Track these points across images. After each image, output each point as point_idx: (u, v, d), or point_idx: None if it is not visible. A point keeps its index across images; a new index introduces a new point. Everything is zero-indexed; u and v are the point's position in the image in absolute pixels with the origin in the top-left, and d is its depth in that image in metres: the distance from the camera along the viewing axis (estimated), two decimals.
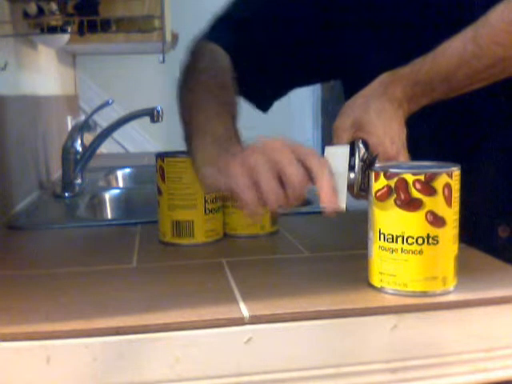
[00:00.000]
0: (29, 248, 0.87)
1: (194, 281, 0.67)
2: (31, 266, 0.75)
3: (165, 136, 2.45)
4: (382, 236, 0.59)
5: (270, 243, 0.83)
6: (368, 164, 0.63)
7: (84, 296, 0.62)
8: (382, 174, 0.58)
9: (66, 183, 1.29)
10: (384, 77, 0.71)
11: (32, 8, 1.22)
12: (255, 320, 0.55)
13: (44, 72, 1.58)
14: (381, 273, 0.60)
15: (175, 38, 1.81)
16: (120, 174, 1.71)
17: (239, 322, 0.54)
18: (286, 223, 0.90)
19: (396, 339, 0.57)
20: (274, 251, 0.79)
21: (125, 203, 1.35)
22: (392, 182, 0.57)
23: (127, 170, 1.73)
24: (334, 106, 2.68)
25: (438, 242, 0.57)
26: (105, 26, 1.27)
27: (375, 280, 0.61)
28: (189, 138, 0.74)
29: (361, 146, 0.66)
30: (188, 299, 0.60)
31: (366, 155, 0.65)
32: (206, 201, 0.81)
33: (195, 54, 0.89)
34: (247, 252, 0.78)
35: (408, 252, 0.58)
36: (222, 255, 0.76)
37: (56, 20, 1.24)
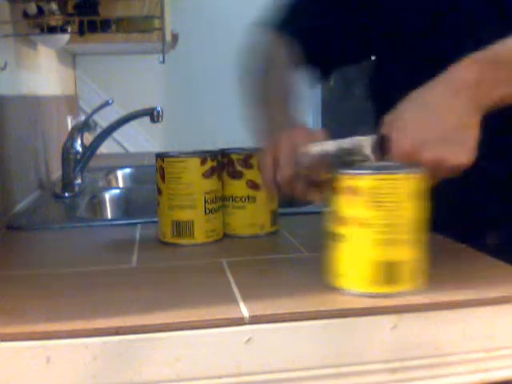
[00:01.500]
0: (29, 248, 0.87)
1: (194, 281, 0.67)
2: (31, 266, 0.75)
3: (165, 136, 2.45)
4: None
5: (270, 243, 0.83)
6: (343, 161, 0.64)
7: (84, 296, 0.62)
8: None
9: (66, 183, 1.29)
10: (453, 65, 0.65)
11: (32, 8, 1.22)
12: (255, 320, 0.55)
13: (44, 72, 1.58)
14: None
15: (175, 38, 1.81)
16: (120, 174, 1.71)
17: (239, 322, 0.54)
18: (286, 223, 0.90)
19: (396, 339, 0.57)
20: (274, 251, 0.79)
21: (125, 203, 1.35)
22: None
23: (127, 170, 1.73)
24: (334, 106, 2.68)
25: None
26: (105, 26, 1.27)
27: None
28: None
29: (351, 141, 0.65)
30: (188, 299, 0.60)
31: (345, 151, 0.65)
32: (206, 201, 0.81)
33: (259, 46, 0.97)
34: (247, 252, 0.78)
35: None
36: (222, 255, 0.76)
37: (56, 20, 1.24)
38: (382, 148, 0.64)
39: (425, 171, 0.60)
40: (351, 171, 0.60)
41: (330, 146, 0.66)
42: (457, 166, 0.63)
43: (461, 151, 0.62)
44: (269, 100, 0.85)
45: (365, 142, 0.65)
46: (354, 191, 0.58)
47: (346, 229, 0.59)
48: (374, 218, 0.58)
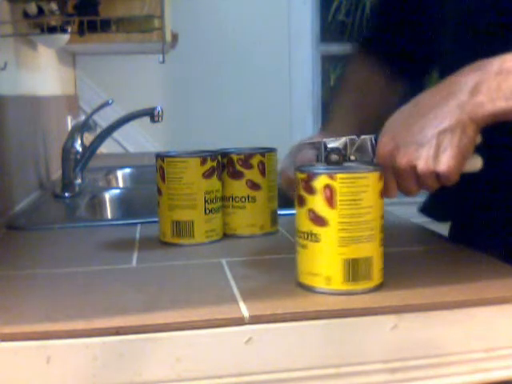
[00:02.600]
0: (29, 248, 0.87)
1: (194, 281, 0.67)
2: (31, 266, 0.74)
3: (165, 136, 2.45)
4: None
5: (270, 243, 0.83)
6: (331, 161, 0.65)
7: (84, 296, 0.62)
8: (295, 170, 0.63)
9: (66, 183, 1.29)
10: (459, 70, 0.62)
11: (32, 8, 1.22)
12: (255, 320, 0.55)
13: (44, 72, 1.58)
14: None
15: (175, 38, 1.81)
16: (120, 173, 1.71)
17: (239, 322, 0.54)
18: (286, 223, 0.90)
19: (396, 339, 0.57)
20: (274, 251, 0.79)
21: (125, 203, 1.35)
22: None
23: (127, 170, 1.73)
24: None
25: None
26: (105, 26, 1.27)
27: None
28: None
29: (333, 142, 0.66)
30: (188, 299, 0.60)
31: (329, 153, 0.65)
32: (206, 201, 0.81)
33: (347, 70, 1.03)
34: (247, 252, 0.78)
35: (298, 245, 0.62)
36: (222, 255, 0.76)
37: (56, 20, 1.24)
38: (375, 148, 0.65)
39: (380, 171, 0.60)
40: (306, 170, 0.60)
41: (333, 143, 0.66)
42: (435, 174, 0.60)
43: (437, 158, 0.60)
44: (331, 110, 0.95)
45: (365, 141, 0.65)
46: (309, 190, 0.59)
47: (314, 228, 0.60)
48: (340, 217, 0.58)
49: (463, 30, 0.81)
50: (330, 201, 0.58)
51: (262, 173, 0.84)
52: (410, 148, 0.61)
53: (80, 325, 0.53)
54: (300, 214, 0.61)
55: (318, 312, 0.56)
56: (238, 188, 0.84)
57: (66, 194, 1.27)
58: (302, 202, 0.60)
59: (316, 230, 0.60)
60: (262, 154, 0.85)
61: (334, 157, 0.64)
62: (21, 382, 0.52)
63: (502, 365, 0.59)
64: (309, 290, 0.61)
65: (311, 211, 0.59)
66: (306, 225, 0.60)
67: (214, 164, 0.82)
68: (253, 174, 0.84)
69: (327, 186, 0.58)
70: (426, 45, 0.91)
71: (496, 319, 0.59)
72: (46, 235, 0.92)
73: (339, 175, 0.58)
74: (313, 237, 0.60)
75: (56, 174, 1.51)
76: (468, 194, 0.82)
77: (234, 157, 0.84)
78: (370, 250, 0.60)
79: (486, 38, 0.76)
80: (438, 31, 0.86)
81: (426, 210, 0.90)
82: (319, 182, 0.59)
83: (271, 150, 0.86)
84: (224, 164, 0.84)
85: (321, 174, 0.59)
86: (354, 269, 0.60)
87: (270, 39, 2.54)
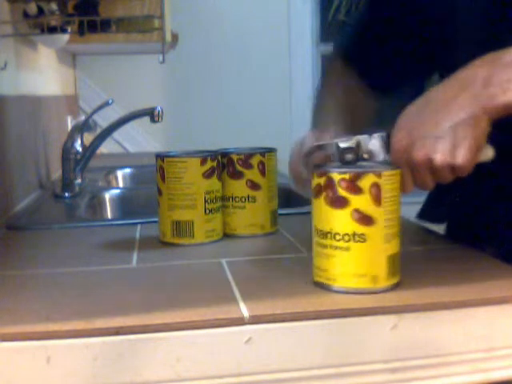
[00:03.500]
0: (29, 248, 0.87)
1: (194, 281, 0.67)
2: (31, 266, 0.75)
3: (165, 136, 2.45)
4: (316, 232, 0.61)
5: (269, 243, 0.83)
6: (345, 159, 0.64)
7: (84, 296, 0.62)
8: (315, 173, 0.61)
9: (66, 183, 1.29)
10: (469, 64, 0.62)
11: (32, 8, 1.22)
12: (255, 320, 0.55)
13: (44, 72, 1.58)
14: (316, 267, 0.62)
15: (175, 38, 1.81)
16: (120, 174, 1.71)
17: (239, 322, 0.54)
18: (286, 223, 0.90)
19: (396, 339, 0.57)
20: (274, 251, 0.79)
21: (125, 203, 1.35)
22: (322, 181, 0.59)
23: (127, 170, 1.73)
24: None
25: (365, 240, 0.58)
26: (105, 26, 1.27)
27: (314, 274, 0.63)
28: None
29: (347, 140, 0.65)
30: (188, 299, 0.60)
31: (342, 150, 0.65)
32: (206, 201, 0.81)
33: (329, 72, 1.03)
34: (247, 252, 0.78)
35: (336, 248, 0.59)
36: (222, 255, 0.76)
37: (56, 20, 1.24)
38: (387, 145, 0.64)
39: (396, 170, 0.60)
40: (347, 170, 0.59)
41: (345, 142, 0.65)
42: (451, 167, 0.61)
43: (454, 151, 0.60)
44: (316, 109, 0.93)
45: (372, 139, 0.65)
46: (354, 189, 0.58)
47: (367, 229, 0.59)
48: (386, 214, 0.59)
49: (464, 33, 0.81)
50: (377, 199, 0.58)
51: (262, 173, 0.84)
52: (426, 142, 0.61)
53: (80, 325, 0.53)
54: (339, 216, 0.59)
55: (318, 312, 0.56)
56: (238, 188, 0.84)
57: (66, 194, 1.27)
58: (342, 203, 0.58)
59: (362, 229, 0.58)
60: (262, 154, 0.85)
61: (349, 156, 0.64)
62: (21, 382, 0.52)
63: (501, 365, 0.59)
64: (352, 292, 0.59)
65: (356, 211, 0.58)
66: (349, 226, 0.58)
67: (214, 164, 0.82)
68: (253, 174, 0.84)
69: (374, 184, 0.58)
70: (413, 58, 0.90)
71: (496, 319, 0.59)
72: (46, 235, 0.92)
73: (385, 172, 0.58)
74: (358, 237, 0.58)
75: (56, 173, 1.52)
76: (467, 195, 0.82)
77: (234, 157, 0.84)
78: (399, 245, 0.61)
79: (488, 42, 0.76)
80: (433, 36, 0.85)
81: (425, 215, 0.90)
82: (366, 181, 0.58)
83: (271, 150, 0.86)
84: (224, 164, 0.84)
85: (367, 172, 0.58)
86: (394, 264, 0.60)
87: (270, 39, 2.54)
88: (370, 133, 0.66)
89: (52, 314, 0.57)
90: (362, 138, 0.65)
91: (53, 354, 0.52)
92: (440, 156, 0.60)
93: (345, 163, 0.64)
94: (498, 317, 0.59)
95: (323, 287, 0.61)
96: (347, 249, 0.59)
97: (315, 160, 0.66)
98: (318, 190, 0.60)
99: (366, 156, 0.65)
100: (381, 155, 0.65)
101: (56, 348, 0.52)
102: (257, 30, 2.53)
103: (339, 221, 0.59)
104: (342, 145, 0.64)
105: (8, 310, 0.58)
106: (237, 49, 2.52)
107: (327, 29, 2.68)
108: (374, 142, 0.65)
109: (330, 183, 0.58)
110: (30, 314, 0.57)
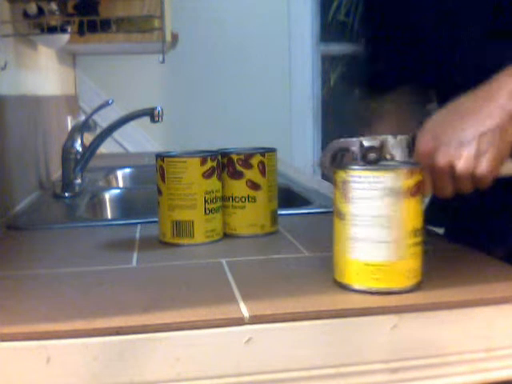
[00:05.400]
0: (29, 248, 0.87)
1: (194, 281, 0.67)
2: (31, 266, 0.74)
3: (165, 136, 2.45)
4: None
5: (269, 243, 0.83)
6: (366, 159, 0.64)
7: (84, 296, 0.62)
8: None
9: (66, 183, 1.29)
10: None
11: (32, 8, 1.22)
12: (255, 320, 0.55)
13: (44, 72, 1.58)
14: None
15: (175, 38, 1.81)
16: (120, 174, 1.71)
17: (239, 322, 0.54)
18: (286, 223, 0.90)
19: (396, 339, 0.57)
20: (274, 251, 0.79)
21: (125, 203, 1.35)
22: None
23: (127, 170, 1.72)
24: (334, 106, 2.68)
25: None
26: (105, 26, 1.27)
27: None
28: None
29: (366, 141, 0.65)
30: (188, 299, 0.60)
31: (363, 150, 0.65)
32: (206, 201, 0.81)
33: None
34: (247, 252, 0.78)
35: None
36: (222, 255, 0.76)
37: (56, 20, 1.24)
38: (412, 148, 0.64)
39: (415, 170, 0.59)
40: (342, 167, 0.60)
41: (369, 141, 0.65)
42: (472, 176, 0.61)
43: (477, 159, 0.60)
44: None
45: (402, 141, 0.65)
46: (336, 185, 0.60)
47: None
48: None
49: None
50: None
51: (262, 173, 0.84)
52: (450, 147, 0.61)
53: (80, 325, 0.53)
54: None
55: (318, 312, 0.56)
56: (238, 188, 0.84)
57: (66, 194, 1.27)
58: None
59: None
60: (262, 154, 0.85)
61: (372, 155, 0.64)
62: (21, 382, 0.52)
63: (501, 365, 0.59)
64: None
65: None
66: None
67: (214, 164, 0.82)
68: (253, 174, 0.84)
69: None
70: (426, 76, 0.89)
71: (496, 319, 0.59)
72: (46, 235, 0.92)
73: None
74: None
75: (56, 173, 1.51)
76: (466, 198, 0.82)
77: (234, 157, 0.84)
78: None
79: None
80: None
81: (425, 218, 0.90)
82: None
83: (271, 150, 0.86)
84: (224, 164, 0.84)
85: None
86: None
87: (270, 39, 2.54)
88: (395, 135, 0.65)
89: (52, 314, 0.57)
90: (387, 138, 0.65)
91: (53, 354, 0.52)
92: (463, 163, 0.60)
93: (367, 162, 0.63)
94: (498, 317, 0.59)
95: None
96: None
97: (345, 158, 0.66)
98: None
99: (388, 157, 0.65)
100: (403, 157, 0.65)
101: (56, 348, 0.52)
102: (257, 30, 2.53)
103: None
104: (366, 143, 0.64)
105: (8, 309, 0.58)
106: (237, 49, 2.52)
107: (327, 29, 2.68)
108: (398, 144, 0.65)
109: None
110: (29, 314, 0.57)
